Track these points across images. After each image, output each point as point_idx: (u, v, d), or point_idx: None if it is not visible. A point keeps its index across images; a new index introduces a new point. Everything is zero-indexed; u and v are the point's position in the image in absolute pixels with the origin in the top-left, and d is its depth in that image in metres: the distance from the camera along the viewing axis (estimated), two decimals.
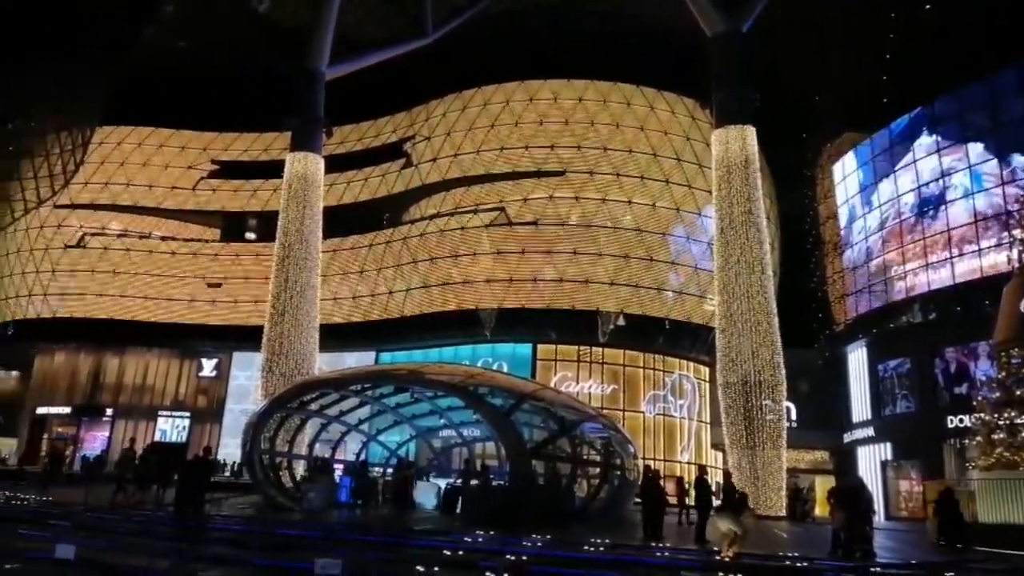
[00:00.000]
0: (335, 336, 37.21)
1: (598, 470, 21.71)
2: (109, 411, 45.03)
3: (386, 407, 23.65)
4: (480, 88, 40.90)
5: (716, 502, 16.75)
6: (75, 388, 45.55)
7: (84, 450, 43.32)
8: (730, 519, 12.69)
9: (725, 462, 27.29)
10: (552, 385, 33.31)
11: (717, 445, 35.81)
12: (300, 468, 24.91)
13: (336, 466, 24.52)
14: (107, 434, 44.62)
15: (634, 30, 37.56)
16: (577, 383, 36.54)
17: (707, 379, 38.89)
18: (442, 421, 24.46)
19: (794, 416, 35.55)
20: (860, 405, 36.69)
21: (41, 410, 46.15)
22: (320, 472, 22.50)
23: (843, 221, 39.84)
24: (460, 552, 12.66)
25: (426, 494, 22.37)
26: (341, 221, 40.37)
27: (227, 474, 35.27)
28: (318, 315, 31.99)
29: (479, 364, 35.62)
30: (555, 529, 15.60)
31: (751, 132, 28.15)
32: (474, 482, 19.89)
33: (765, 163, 34.51)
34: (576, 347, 37.21)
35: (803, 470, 37.73)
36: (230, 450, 39.74)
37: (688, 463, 36.88)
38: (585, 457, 21.63)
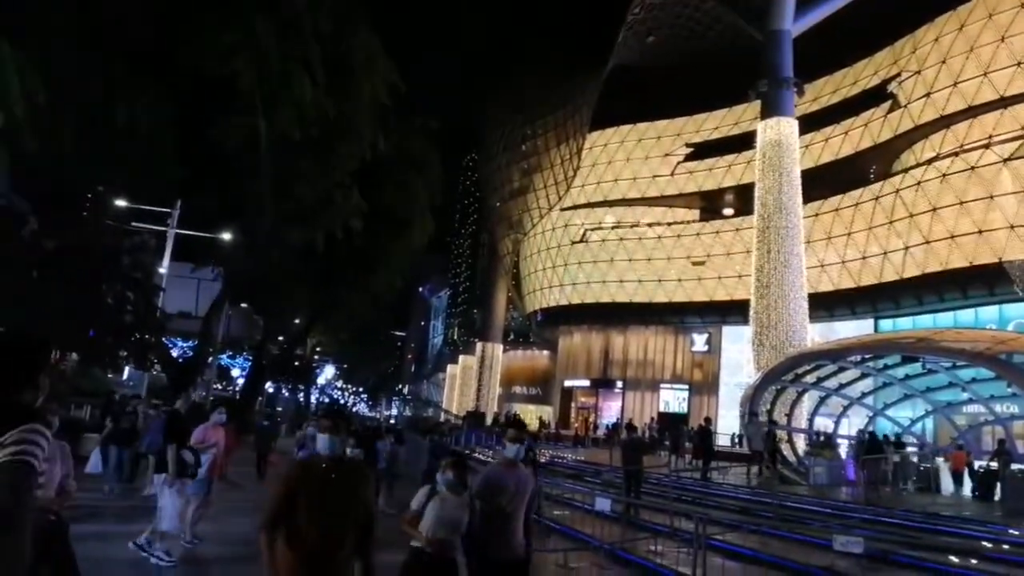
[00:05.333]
0: (824, 305, 35.27)
1: None
2: (619, 383, 50.67)
3: (892, 379, 21.36)
4: None
5: None
6: (591, 363, 52.44)
7: (603, 418, 49.69)
8: None
9: None
10: None
11: None
12: (801, 441, 24.21)
13: (840, 440, 23.16)
14: (619, 403, 50.27)
15: None
16: None
17: None
18: (966, 395, 21.04)
19: None
20: None
21: (567, 383, 54.44)
22: (825, 447, 21.53)
23: None
24: (1005, 546, 10.69)
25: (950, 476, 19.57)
26: (822, 182, 37.91)
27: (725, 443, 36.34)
28: (805, 284, 30.64)
29: (1010, 328, 29.65)
30: None
31: None
32: (1016, 466, 16.62)
33: None
34: None
35: None
36: (727, 421, 40.93)
37: None
38: None
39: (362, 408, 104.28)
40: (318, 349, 58.00)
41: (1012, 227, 30.19)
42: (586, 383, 52.85)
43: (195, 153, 23.09)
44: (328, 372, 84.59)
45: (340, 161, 24.61)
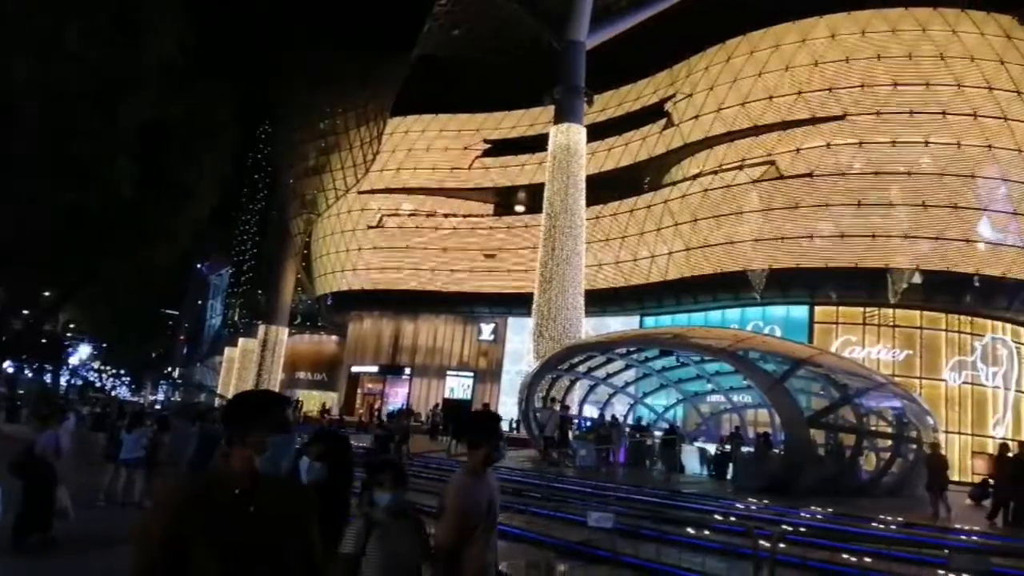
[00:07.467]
0: (599, 301, 37.95)
1: (889, 443, 19.68)
2: (407, 370, 50.88)
3: (652, 370, 23.69)
4: (746, 36, 38.44)
5: None
6: (380, 350, 52.08)
7: (389, 404, 49.60)
8: None
9: None
10: (833, 350, 30.76)
11: None
12: (572, 426, 25.95)
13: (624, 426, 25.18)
14: (407, 390, 50.51)
15: None
16: (863, 348, 33.26)
17: None
18: (710, 386, 23.90)
19: None
20: None
21: (355, 368, 53.63)
22: (590, 432, 23.29)
23: None
24: (732, 518, 12.34)
25: (693, 458, 22.10)
26: (604, 187, 40.78)
27: (505, 428, 38.04)
28: (583, 281, 32.86)
29: (749, 328, 34.05)
30: (837, 503, 14.50)
31: None
32: (746, 449, 19.21)
33: None
34: (861, 309, 33.83)
35: None
36: (508, 408, 42.72)
37: (1004, 439, 31.81)
38: (873, 428, 19.71)
39: (123, 392, 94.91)
40: (71, 326, 51.75)
41: (755, 240, 34.67)
42: (374, 369, 52.43)
43: None
44: (84, 352, 75.84)
45: (118, 119, 22.14)
